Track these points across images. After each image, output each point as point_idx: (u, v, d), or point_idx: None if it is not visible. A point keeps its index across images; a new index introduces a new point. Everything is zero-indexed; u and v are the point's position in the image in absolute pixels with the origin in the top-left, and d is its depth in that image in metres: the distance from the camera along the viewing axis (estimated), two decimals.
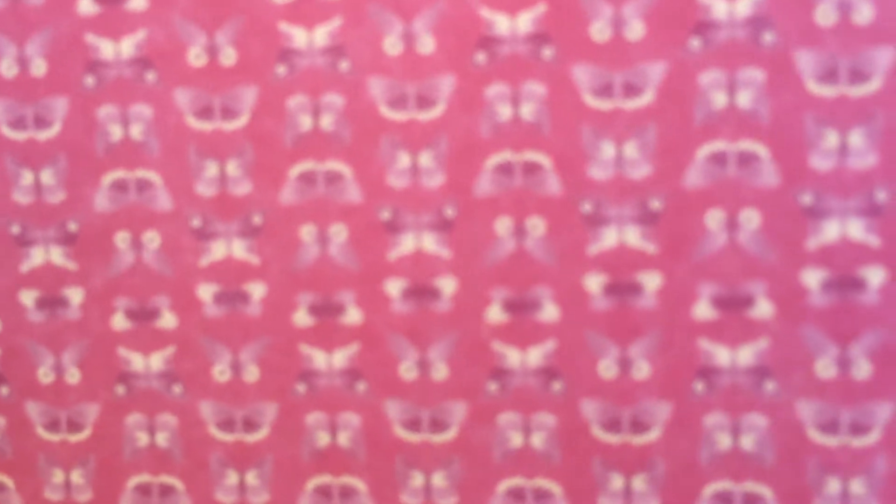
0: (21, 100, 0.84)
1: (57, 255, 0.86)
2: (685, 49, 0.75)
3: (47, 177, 0.85)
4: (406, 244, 0.81)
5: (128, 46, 0.82)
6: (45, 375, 0.88)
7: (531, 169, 0.78)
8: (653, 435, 0.80)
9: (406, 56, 0.79)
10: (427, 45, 0.78)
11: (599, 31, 0.76)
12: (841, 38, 0.73)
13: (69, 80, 0.83)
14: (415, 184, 0.80)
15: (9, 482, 0.90)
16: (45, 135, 0.84)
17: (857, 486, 0.78)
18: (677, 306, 0.78)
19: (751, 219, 0.76)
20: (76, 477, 0.89)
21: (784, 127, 0.75)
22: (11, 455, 0.90)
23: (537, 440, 0.82)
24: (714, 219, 0.77)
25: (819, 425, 0.78)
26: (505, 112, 0.78)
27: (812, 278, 0.76)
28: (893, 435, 0.77)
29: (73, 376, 0.87)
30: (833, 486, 0.78)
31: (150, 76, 0.82)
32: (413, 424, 0.83)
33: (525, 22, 0.77)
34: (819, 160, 0.75)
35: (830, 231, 0.75)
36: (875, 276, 0.76)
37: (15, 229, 0.86)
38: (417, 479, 0.84)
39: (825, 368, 0.77)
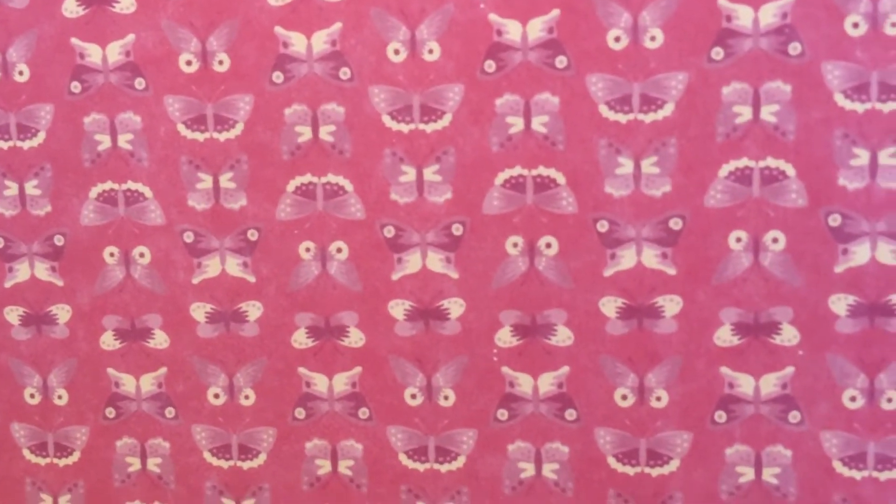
0: (3, 107, 0.81)
1: (42, 271, 0.83)
2: (707, 59, 0.72)
3: (32, 188, 0.82)
4: (411, 263, 0.78)
5: (115, 51, 0.79)
6: (31, 396, 0.85)
7: (544, 185, 0.76)
8: (671, 467, 0.78)
9: (411, 64, 0.76)
10: (433, 52, 0.75)
11: (616, 39, 0.73)
12: (872, 50, 0.71)
13: (54, 86, 0.80)
14: (420, 199, 0.77)
15: None
16: (29, 144, 0.81)
17: None
18: (698, 332, 0.76)
19: (776, 240, 0.74)
20: (64, 503, 0.86)
21: (811, 143, 0.72)
22: None
23: (549, 471, 0.79)
24: (737, 240, 0.74)
25: (845, 458, 0.75)
26: (516, 124, 0.75)
27: (840, 304, 0.74)
28: None
29: (61, 398, 0.85)
30: None
31: (139, 83, 0.79)
32: (418, 453, 0.81)
33: (537, 29, 0.74)
34: (848, 179, 0.72)
35: (860, 254, 0.73)
36: None
37: None
38: None
39: (852, 399, 0.74)
